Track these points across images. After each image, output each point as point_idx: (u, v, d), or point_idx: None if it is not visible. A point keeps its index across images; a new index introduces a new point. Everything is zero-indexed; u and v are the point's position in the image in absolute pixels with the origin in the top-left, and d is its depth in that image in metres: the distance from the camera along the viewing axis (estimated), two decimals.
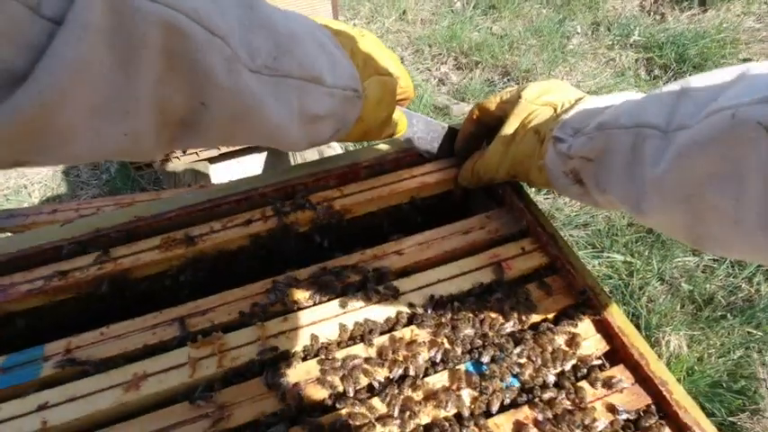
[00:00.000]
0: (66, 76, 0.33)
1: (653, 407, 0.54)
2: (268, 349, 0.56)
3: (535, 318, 0.61)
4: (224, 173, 1.74)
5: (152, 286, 0.67)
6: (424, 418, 0.52)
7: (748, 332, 1.55)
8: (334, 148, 1.63)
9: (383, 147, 0.79)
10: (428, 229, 0.69)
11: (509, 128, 0.65)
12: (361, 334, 0.58)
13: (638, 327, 1.58)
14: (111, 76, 0.36)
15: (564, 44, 2.65)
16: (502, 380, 0.55)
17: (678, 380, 0.53)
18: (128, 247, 0.65)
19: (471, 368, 0.56)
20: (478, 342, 0.58)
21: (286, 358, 0.56)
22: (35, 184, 2.22)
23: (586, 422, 0.51)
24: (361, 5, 2.91)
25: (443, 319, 0.59)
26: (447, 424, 0.51)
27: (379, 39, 0.68)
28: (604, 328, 0.60)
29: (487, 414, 0.53)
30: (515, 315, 0.60)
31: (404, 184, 0.74)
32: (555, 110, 0.62)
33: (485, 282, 0.63)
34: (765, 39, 2.61)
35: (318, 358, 0.56)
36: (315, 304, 0.62)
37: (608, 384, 0.55)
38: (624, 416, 0.52)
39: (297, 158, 1.62)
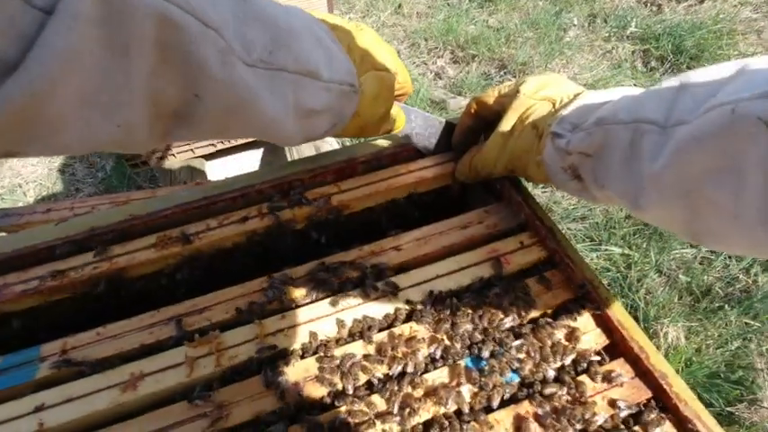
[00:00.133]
0: (56, 66, 0.33)
1: (653, 401, 0.53)
2: (266, 347, 0.56)
3: (534, 312, 0.61)
4: (220, 170, 1.72)
5: (148, 285, 0.66)
6: (424, 415, 0.52)
7: (746, 323, 1.55)
8: (331, 144, 1.62)
9: (380, 142, 0.78)
10: (426, 225, 0.69)
11: (507, 122, 0.65)
12: (360, 331, 0.58)
13: (636, 319, 1.59)
14: (103, 66, 0.36)
15: (560, 36, 2.63)
16: (502, 375, 0.55)
17: (676, 371, 0.53)
18: (123, 246, 0.65)
19: (471, 364, 0.56)
20: (478, 337, 0.58)
21: (284, 356, 0.56)
22: (30, 183, 2.20)
23: (587, 416, 0.51)
24: None
25: (442, 315, 0.59)
26: (447, 421, 0.51)
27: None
28: (604, 322, 0.60)
29: (488, 409, 0.53)
30: (515, 310, 0.60)
31: (401, 180, 0.73)
32: (553, 105, 0.62)
33: (484, 277, 0.63)
34: (762, 29, 2.60)
35: (317, 356, 0.56)
36: (312, 301, 0.61)
37: (608, 378, 0.55)
38: (625, 411, 0.52)
39: (293, 154, 1.61)
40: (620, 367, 0.56)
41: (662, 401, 0.53)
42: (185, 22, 0.38)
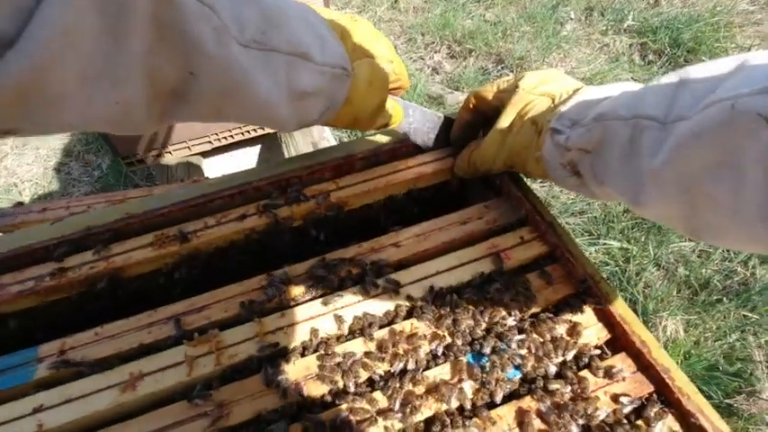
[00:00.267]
0: (54, 40, 0.33)
1: (655, 395, 0.53)
2: (266, 346, 0.55)
3: (535, 307, 0.60)
4: (217, 167, 1.71)
5: (146, 284, 0.66)
6: (426, 412, 0.51)
7: (744, 315, 1.56)
8: (329, 140, 1.61)
9: (378, 138, 0.78)
10: (425, 221, 0.69)
11: (506, 118, 0.64)
12: (361, 328, 0.58)
13: (635, 312, 1.59)
14: (100, 41, 0.37)
15: (558, 30, 2.63)
16: (503, 371, 0.54)
17: (675, 364, 0.53)
18: (120, 246, 0.64)
19: (472, 360, 0.56)
20: (479, 333, 0.58)
21: (285, 354, 0.55)
22: (25, 182, 2.19)
23: (589, 411, 0.51)
24: None
25: (443, 311, 0.59)
26: (449, 418, 0.51)
27: None
28: (605, 317, 0.59)
29: (490, 405, 0.53)
30: (515, 305, 0.59)
31: (400, 175, 0.73)
32: (552, 100, 0.61)
33: (484, 272, 0.63)
34: (760, 21, 2.60)
35: (318, 353, 0.55)
36: (312, 299, 0.61)
37: (610, 373, 0.54)
38: (628, 406, 0.52)
39: (291, 151, 1.60)
40: (621, 362, 0.56)
41: (664, 396, 0.53)
42: None
